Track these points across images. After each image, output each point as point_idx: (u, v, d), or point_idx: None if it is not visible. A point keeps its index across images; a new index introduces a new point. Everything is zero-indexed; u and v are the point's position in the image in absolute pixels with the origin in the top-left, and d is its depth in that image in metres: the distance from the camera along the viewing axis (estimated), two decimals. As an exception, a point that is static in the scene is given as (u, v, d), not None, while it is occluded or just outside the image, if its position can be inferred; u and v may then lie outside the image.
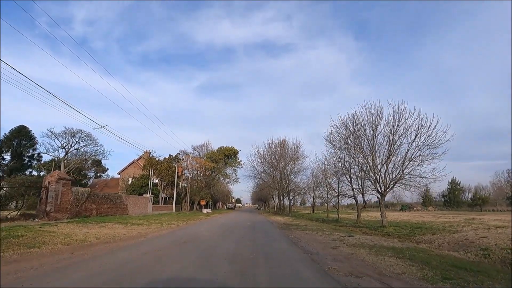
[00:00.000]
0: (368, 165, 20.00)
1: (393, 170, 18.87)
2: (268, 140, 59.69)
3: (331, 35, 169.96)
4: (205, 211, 35.91)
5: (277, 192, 57.24)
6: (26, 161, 49.01)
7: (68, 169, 42.88)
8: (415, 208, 67.34)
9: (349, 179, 25.05)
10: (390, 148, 18.90)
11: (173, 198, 36.29)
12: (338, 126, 22.71)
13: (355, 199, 25.24)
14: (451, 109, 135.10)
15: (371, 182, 20.32)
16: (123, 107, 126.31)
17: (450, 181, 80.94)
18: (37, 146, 48.70)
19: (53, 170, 45.03)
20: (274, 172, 45.80)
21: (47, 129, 45.11)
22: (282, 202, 46.61)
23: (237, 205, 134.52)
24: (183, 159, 36.06)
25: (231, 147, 42.86)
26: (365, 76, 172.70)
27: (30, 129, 49.06)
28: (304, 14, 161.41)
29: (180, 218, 22.99)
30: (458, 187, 77.95)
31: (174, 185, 37.10)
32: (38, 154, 50.42)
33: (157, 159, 37.71)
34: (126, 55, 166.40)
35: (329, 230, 16.31)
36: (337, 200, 31.18)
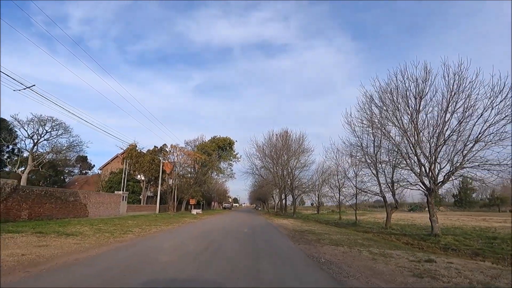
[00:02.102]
0: (412, 149, 14.51)
1: (449, 154, 13.38)
2: (268, 131, 54.17)
3: (328, 36, 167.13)
4: (194, 211, 30.43)
5: (278, 190, 51.92)
6: (5, 157, 43.20)
7: (37, 163, 37.06)
8: (426, 209, 61.98)
9: (374, 172, 19.61)
10: (444, 126, 13.42)
11: (161, 196, 30.68)
12: (364, 102, 17.24)
13: (384, 197, 19.81)
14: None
15: (415, 173, 14.82)
16: (121, 106, 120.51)
17: (461, 179, 76.09)
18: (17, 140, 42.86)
19: (18, 166, 39.31)
20: (275, 168, 40.34)
21: (11, 116, 39.30)
22: (284, 201, 41.16)
23: (234, 205, 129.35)
24: (170, 151, 30.48)
25: (226, 137, 37.13)
26: (363, 77, 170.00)
27: (9, 122, 43.13)
28: (301, 15, 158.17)
29: (155, 222, 17.40)
30: (470, 186, 72.96)
31: (159, 181, 31.43)
32: (19, 149, 44.63)
33: (138, 150, 32.02)
34: (123, 54, 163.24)
35: (367, 242, 10.83)
36: (355, 200, 25.70)
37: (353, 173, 23.86)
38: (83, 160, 71.50)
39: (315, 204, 65.02)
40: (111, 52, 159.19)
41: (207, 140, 35.97)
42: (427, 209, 53.16)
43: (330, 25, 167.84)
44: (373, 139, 18.67)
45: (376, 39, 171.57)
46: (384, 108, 15.31)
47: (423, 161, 14.10)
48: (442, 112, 13.28)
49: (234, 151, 37.95)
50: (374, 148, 18.91)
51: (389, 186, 19.16)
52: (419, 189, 15.46)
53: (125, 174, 27.73)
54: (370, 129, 17.66)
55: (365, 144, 19.29)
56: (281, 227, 17.22)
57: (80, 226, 12.27)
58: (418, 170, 14.65)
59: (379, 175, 19.55)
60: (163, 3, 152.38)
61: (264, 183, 46.11)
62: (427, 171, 14.07)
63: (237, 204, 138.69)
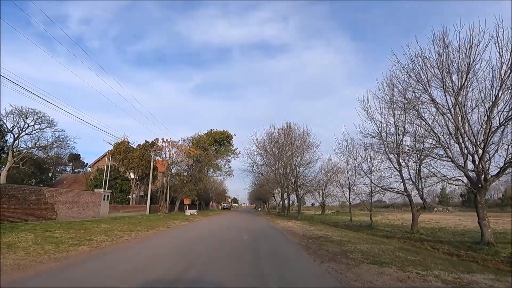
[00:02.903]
0: (453, 135, 11.53)
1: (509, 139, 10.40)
2: (270, 126, 50.87)
3: (327, 36, 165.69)
4: (188, 212, 27.47)
5: (279, 189, 49.03)
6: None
7: (18, 159, 34.07)
8: (435, 209, 59.09)
9: (396, 166, 16.65)
10: (498, 104, 10.43)
11: (153, 196, 27.67)
12: (391, 78, 14.25)
13: (409, 196, 16.85)
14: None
15: (457, 165, 11.84)
16: (121, 106, 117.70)
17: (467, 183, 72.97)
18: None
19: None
20: (277, 165, 37.35)
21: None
22: (287, 201, 38.18)
23: (233, 205, 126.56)
24: (162, 145, 27.40)
25: (223, 130, 34.04)
26: (361, 77, 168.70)
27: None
28: (300, 15, 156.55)
29: (136, 225, 14.42)
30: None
31: (150, 179, 28.46)
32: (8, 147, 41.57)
33: (127, 145, 29.03)
34: (122, 54, 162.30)
35: (411, 256, 7.84)
36: (370, 199, 22.71)
37: (368, 168, 20.89)
38: (75, 158, 68.40)
39: (316, 204, 62.17)
40: (110, 52, 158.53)
41: (203, 134, 32.95)
42: (436, 209, 50.13)
43: (329, 25, 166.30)
44: (396, 125, 15.69)
45: (374, 39, 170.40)
46: (418, 84, 12.32)
47: (471, 149, 11.11)
48: (498, 83, 10.29)
49: (233, 146, 34.95)
50: (396, 136, 15.92)
51: (414, 182, 16.16)
52: (461, 185, 12.48)
53: (108, 170, 24.76)
54: (394, 112, 14.70)
55: (386, 132, 16.32)
56: (288, 232, 14.25)
57: (25, 233, 9.27)
58: (462, 162, 11.68)
59: (402, 169, 16.57)
60: (162, 3, 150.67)
61: (264, 182, 43.09)
62: (476, 162, 11.09)
63: (236, 204, 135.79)
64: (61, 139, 38.20)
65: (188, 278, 4.75)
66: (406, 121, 14.72)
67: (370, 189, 21.25)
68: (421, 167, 15.60)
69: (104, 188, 22.48)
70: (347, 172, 25.47)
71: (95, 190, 21.80)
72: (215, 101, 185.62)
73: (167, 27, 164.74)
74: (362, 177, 23.47)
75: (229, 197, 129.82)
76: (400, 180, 16.74)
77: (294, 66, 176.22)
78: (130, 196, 30.01)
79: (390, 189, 18.29)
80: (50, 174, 49.38)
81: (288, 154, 29.35)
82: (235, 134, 34.18)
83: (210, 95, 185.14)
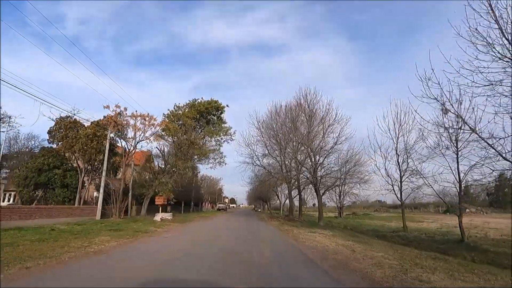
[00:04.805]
0: None
1: None
2: (273, 102, 39.34)
3: (325, 36, 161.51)
4: (159, 216, 18.60)
5: (284, 186, 40.34)
6: None
7: None
8: (467, 211, 50.30)
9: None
10: None
11: (115, 194, 18.56)
12: None
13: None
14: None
15: None
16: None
17: (497, 175, 64.47)
18: None
19: None
20: (282, 156, 28.65)
21: None
22: (298, 199, 29.58)
23: (231, 205, 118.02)
24: (118, 117, 18.34)
25: (211, 99, 24.84)
26: (360, 77, 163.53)
27: None
28: (298, 16, 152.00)
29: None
30: (510, 183, 61.58)
31: (104, 166, 19.62)
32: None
33: (72, 119, 20.23)
34: (120, 55, 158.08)
35: None
36: (459, 197, 14.16)
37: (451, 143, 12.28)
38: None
39: (327, 205, 53.13)
40: (108, 53, 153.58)
41: (182, 104, 23.82)
42: (468, 210, 40.89)
43: (326, 26, 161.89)
44: None
45: (372, 40, 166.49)
46: None
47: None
48: None
49: (225, 123, 25.84)
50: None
51: None
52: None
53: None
54: None
55: None
56: (335, 267, 5.54)
57: None
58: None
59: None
60: (160, 3, 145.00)
61: (267, 177, 34.23)
62: None
63: (234, 205, 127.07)
64: None
65: None
66: None
67: (458, 179, 12.72)
68: None
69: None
70: (397, 155, 16.79)
71: None
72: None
73: (164, 27, 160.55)
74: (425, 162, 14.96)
75: (226, 197, 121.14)
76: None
77: (291, 67, 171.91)
78: (83, 194, 21.21)
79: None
80: None
81: (304, 132, 20.49)
82: (227, 105, 25.22)
83: (208, 95, 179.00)
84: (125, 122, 18.00)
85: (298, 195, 34.54)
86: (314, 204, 77.48)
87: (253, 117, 32.28)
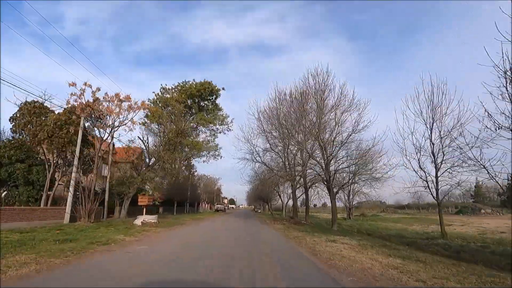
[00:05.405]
0: None
1: None
2: (274, 87, 32.91)
3: (325, 36, 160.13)
4: (139, 220, 15.26)
5: (287, 184, 37.24)
6: None
7: None
8: (483, 212, 47.19)
9: None
10: None
11: (84, 193, 15.15)
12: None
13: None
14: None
15: None
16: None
17: (510, 173, 61.02)
18: None
19: None
20: (285, 152, 25.52)
21: None
22: (305, 199, 26.32)
23: (230, 206, 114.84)
24: (91, 102, 15.03)
25: (205, 81, 21.21)
26: (360, 77, 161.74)
27: None
28: (298, 16, 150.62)
29: None
30: (524, 181, 58.20)
31: (76, 156, 16.34)
32: None
33: (40, 104, 16.97)
34: (119, 55, 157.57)
35: None
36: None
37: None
38: None
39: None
40: (107, 53, 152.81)
41: (170, 86, 20.32)
42: (484, 211, 37.58)
43: (326, 26, 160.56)
44: None
45: (372, 40, 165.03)
46: None
47: None
48: None
49: (221, 110, 22.28)
50: None
51: None
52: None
53: None
54: None
55: None
56: None
57: None
58: None
59: None
60: (160, 3, 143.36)
61: (268, 175, 30.93)
62: None
63: (233, 206, 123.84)
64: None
65: None
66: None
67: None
68: None
69: None
70: (431, 145, 13.56)
71: None
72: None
73: (164, 27, 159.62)
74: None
75: (226, 198, 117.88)
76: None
77: (292, 67, 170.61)
78: (52, 192, 17.94)
79: None
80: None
81: (314, 120, 17.13)
82: (223, 88, 21.54)
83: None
84: (98, 105, 14.68)
85: (303, 194, 31.33)
86: (315, 205, 74.11)
87: (253, 107, 28.98)
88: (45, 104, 17.56)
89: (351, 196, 30.70)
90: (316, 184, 27.61)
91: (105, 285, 4.39)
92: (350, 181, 18.44)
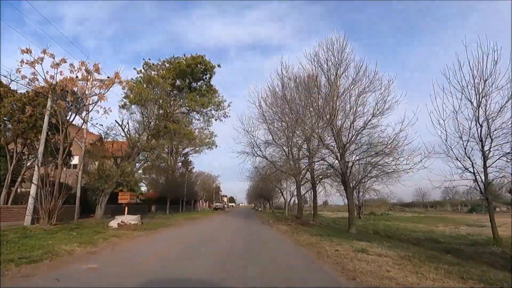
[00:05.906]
0: None
1: None
2: (275, 69, 29.90)
3: (324, 36, 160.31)
4: (116, 222, 12.55)
5: (290, 181, 34.69)
6: None
7: None
8: (498, 210, 44.44)
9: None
10: None
11: (45, 189, 12.28)
12: None
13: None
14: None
15: None
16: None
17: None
18: None
19: None
20: (289, 145, 22.81)
21: None
22: (312, 196, 23.57)
23: (230, 204, 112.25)
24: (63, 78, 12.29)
25: (197, 55, 18.12)
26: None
27: None
28: (297, 15, 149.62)
29: None
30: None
31: (40, 147, 13.51)
32: None
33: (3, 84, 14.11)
34: (119, 54, 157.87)
35: None
36: None
37: None
38: None
39: (338, 203, 46.69)
40: (107, 52, 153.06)
41: (157, 63, 17.28)
42: (499, 209, 34.63)
43: (326, 26, 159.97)
44: None
45: (372, 40, 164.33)
46: None
47: None
48: None
49: (216, 92, 19.16)
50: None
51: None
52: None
53: None
54: None
55: None
56: None
57: None
58: None
59: None
60: (159, 3, 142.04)
61: (270, 171, 28.10)
62: None
63: (233, 204, 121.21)
64: None
65: None
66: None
67: None
68: None
69: None
70: (478, 128, 10.76)
71: None
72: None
73: (164, 27, 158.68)
74: None
75: (225, 196, 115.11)
76: None
77: (291, 67, 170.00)
78: (14, 188, 15.12)
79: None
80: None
81: (324, 103, 14.09)
82: (219, 65, 18.45)
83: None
84: (60, 79, 11.78)
85: (307, 192, 28.59)
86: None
87: (254, 95, 25.98)
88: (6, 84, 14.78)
89: (361, 193, 27.95)
90: (323, 180, 24.87)
91: None
92: (368, 174, 15.58)
